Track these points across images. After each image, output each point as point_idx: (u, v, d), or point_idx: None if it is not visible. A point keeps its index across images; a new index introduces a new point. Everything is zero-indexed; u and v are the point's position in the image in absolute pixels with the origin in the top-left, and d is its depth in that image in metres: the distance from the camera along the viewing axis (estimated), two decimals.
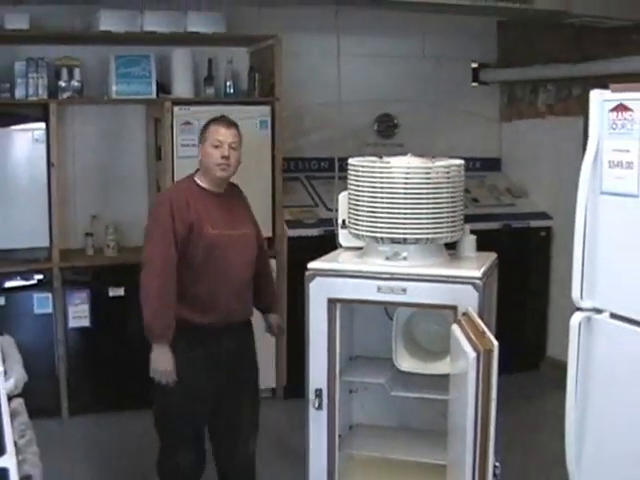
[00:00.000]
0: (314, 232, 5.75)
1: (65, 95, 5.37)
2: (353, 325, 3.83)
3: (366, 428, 3.91)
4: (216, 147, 3.63)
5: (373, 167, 3.42)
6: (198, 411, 3.73)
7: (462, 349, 2.85)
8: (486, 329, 2.92)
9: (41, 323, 5.31)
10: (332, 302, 3.44)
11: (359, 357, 3.87)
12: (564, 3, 5.28)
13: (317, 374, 3.48)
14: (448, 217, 3.41)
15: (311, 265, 3.50)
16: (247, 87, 5.85)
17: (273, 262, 5.60)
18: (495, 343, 2.78)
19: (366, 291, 3.41)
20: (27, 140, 5.25)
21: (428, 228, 3.37)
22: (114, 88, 5.46)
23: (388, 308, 3.67)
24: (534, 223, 6.37)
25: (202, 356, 3.64)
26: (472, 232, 3.69)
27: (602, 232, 2.82)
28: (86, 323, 5.38)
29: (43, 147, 5.24)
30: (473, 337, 2.87)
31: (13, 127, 5.26)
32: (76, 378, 5.39)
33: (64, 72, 5.38)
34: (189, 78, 5.67)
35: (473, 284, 3.26)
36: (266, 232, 5.59)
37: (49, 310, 5.30)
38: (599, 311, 2.85)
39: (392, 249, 3.44)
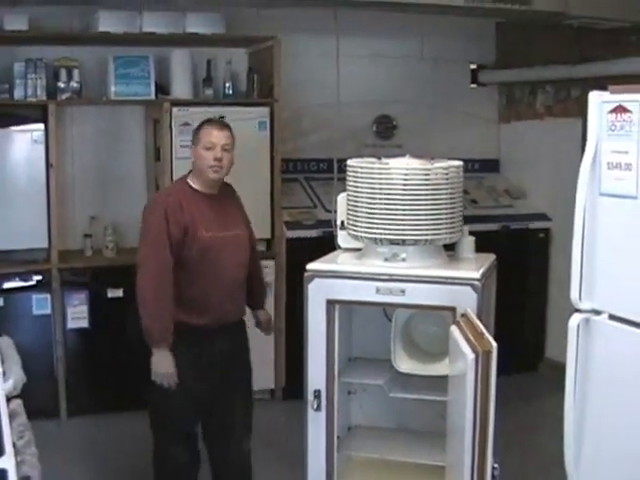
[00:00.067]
0: (313, 233, 5.75)
1: (64, 96, 5.37)
2: (352, 326, 3.82)
3: (365, 429, 3.90)
4: (209, 149, 3.63)
5: (372, 168, 3.42)
6: (193, 411, 3.76)
7: (461, 350, 2.85)
8: (485, 330, 2.92)
9: (40, 324, 5.30)
10: (331, 303, 3.44)
11: (358, 358, 3.87)
12: (563, 4, 5.28)
13: (316, 375, 3.48)
14: (447, 218, 3.41)
15: (310, 266, 3.49)
16: (246, 88, 5.85)
17: (272, 263, 5.63)
18: (494, 344, 2.78)
19: (365, 292, 3.41)
20: (26, 141, 5.25)
21: (427, 229, 3.37)
22: (113, 89, 5.46)
23: (387, 309, 3.66)
24: (533, 224, 6.38)
25: (198, 357, 3.66)
26: (471, 233, 3.69)
27: (601, 233, 2.82)
28: (85, 324, 5.38)
29: (42, 148, 5.24)
30: (472, 338, 2.87)
31: (12, 128, 5.26)
32: (75, 379, 5.39)
33: (63, 73, 5.38)
34: (188, 79, 5.67)
35: (472, 285, 3.26)
36: (265, 233, 5.61)
37: (48, 311, 5.30)
38: (598, 312, 2.85)
39: (391, 250, 3.44)
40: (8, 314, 5.14)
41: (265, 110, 5.62)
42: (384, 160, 3.54)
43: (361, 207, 3.42)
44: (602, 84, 2.88)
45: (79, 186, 5.76)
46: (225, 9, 5.62)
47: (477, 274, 3.32)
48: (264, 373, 5.58)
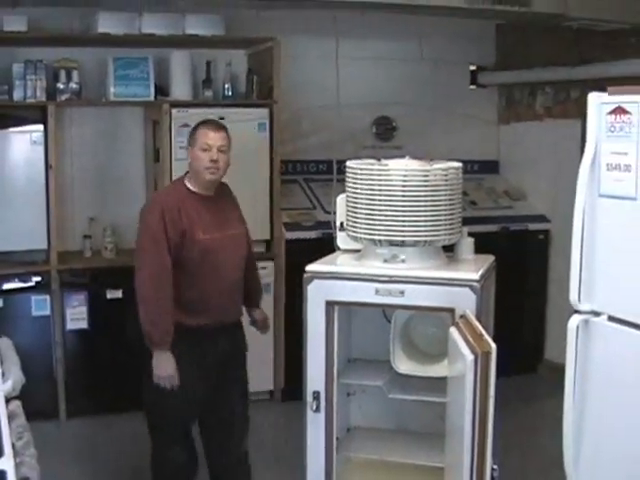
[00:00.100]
0: (312, 234, 5.75)
1: (63, 97, 5.37)
2: (351, 327, 3.83)
3: (364, 430, 3.90)
4: (205, 151, 3.63)
5: (371, 170, 3.42)
6: (192, 411, 3.76)
7: (460, 352, 2.85)
8: (484, 332, 2.92)
9: (39, 325, 5.30)
10: (330, 304, 3.44)
11: (357, 359, 3.87)
12: (562, 6, 5.28)
13: (315, 376, 3.48)
14: (446, 220, 3.41)
15: (309, 268, 3.50)
16: (245, 90, 5.85)
17: (271, 265, 5.63)
18: (493, 346, 2.78)
19: (364, 293, 3.41)
20: (25, 142, 5.25)
21: (426, 231, 3.37)
22: (112, 90, 5.46)
23: (386, 310, 3.66)
24: (532, 226, 6.38)
25: (202, 357, 3.66)
26: (470, 235, 3.70)
27: (600, 235, 2.82)
28: (84, 325, 5.37)
29: (41, 149, 5.24)
30: (471, 340, 2.87)
31: (11, 129, 5.25)
32: (74, 380, 5.39)
33: (62, 74, 5.37)
34: (187, 80, 5.67)
35: (471, 287, 3.26)
36: (264, 234, 5.61)
37: (47, 312, 5.30)
38: (597, 314, 2.85)
39: (390, 251, 3.44)
40: (7, 315, 5.14)
41: (264, 111, 5.62)
42: (383, 161, 3.55)
43: (360, 208, 3.43)
44: (601, 85, 2.88)
45: (78, 187, 5.76)
46: (225, 10, 5.62)
47: (476, 275, 3.32)
48: (263, 374, 5.59)
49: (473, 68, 6.80)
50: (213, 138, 3.64)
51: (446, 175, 3.41)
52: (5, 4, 5.16)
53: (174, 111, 5.39)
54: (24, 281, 5.26)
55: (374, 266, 3.46)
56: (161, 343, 3.54)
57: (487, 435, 2.74)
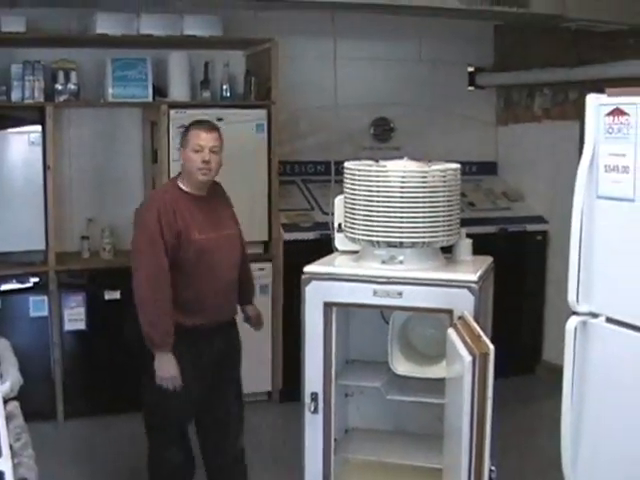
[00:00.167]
0: (310, 236, 5.75)
1: (61, 98, 5.37)
2: (349, 329, 3.83)
3: (362, 432, 3.90)
4: (197, 152, 3.63)
5: (369, 171, 3.42)
6: (190, 411, 3.77)
7: (458, 353, 2.85)
8: (482, 333, 2.92)
9: (37, 326, 5.29)
10: (328, 306, 3.44)
11: (355, 361, 3.87)
12: (560, 7, 5.28)
13: (313, 378, 3.48)
14: (444, 221, 3.41)
15: (307, 269, 3.50)
16: (243, 90, 5.85)
17: (269, 266, 5.63)
18: (491, 347, 2.78)
19: (362, 295, 3.41)
20: (23, 143, 5.25)
21: (424, 232, 3.37)
22: (110, 91, 5.46)
23: (384, 312, 3.67)
24: (530, 227, 6.38)
25: (198, 357, 3.67)
26: (468, 236, 3.70)
27: (598, 236, 2.83)
28: (82, 326, 5.37)
29: (39, 150, 5.24)
30: (469, 341, 2.87)
31: (9, 130, 5.25)
32: (72, 381, 5.38)
33: (60, 75, 5.37)
34: (185, 81, 5.67)
35: (469, 288, 3.27)
36: (262, 236, 5.62)
37: (45, 313, 5.29)
38: (595, 315, 2.85)
39: (388, 253, 3.44)
40: (5, 316, 5.13)
41: (262, 112, 5.61)
42: (381, 162, 3.55)
43: (358, 209, 3.43)
44: (600, 87, 2.88)
45: (76, 188, 5.75)
46: (222, 11, 5.61)
47: (474, 277, 3.32)
48: (261, 375, 5.59)
49: (471, 69, 6.80)
50: (205, 139, 3.64)
51: (444, 176, 3.41)
52: (3, 5, 5.15)
53: (172, 112, 5.39)
54: (22, 282, 5.25)
55: (372, 267, 3.46)
56: (162, 344, 3.54)
57: (485, 436, 2.74)
